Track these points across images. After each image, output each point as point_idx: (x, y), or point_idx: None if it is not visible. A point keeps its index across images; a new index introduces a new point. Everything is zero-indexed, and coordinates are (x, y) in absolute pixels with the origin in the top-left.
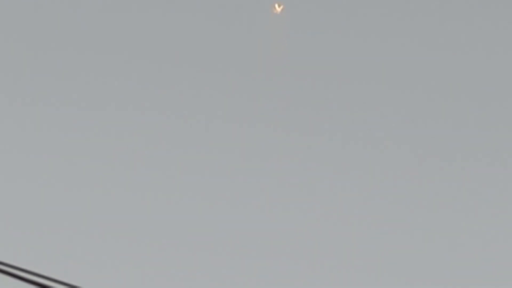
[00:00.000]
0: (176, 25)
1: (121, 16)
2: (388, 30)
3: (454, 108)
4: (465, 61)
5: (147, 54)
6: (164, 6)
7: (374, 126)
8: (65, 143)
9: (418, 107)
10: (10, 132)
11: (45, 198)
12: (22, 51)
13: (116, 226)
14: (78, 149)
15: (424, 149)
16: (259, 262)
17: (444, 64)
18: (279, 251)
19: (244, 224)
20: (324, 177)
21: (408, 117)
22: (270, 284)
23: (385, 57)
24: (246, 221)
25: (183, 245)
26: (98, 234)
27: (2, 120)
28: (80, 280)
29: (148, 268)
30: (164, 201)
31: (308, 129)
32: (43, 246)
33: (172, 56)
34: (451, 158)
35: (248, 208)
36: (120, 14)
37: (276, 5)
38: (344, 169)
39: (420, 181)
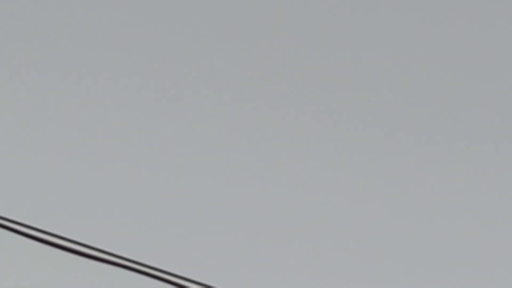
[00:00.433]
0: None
1: (127, 15)
2: (392, 31)
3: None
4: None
5: (149, 52)
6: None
7: (375, 124)
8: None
9: (421, 107)
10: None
11: (177, 193)
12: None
13: (252, 224)
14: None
15: (424, 146)
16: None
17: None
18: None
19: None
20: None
21: (409, 117)
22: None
23: (390, 56)
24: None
25: (324, 243)
26: (233, 233)
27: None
28: (215, 280)
29: (285, 267)
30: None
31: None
32: (178, 245)
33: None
34: (451, 157)
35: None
36: (128, 13)
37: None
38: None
39: (420, 180)
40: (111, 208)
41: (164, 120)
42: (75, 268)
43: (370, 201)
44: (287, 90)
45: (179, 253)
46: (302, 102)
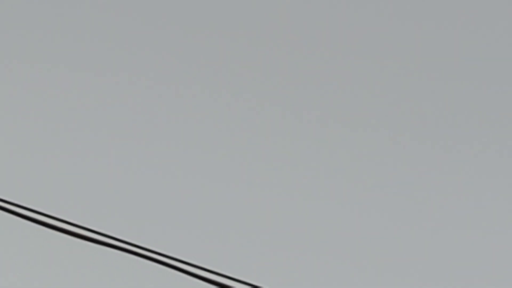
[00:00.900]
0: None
1: (128, 16)
2: (398, 32)
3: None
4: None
5: (153, 53)
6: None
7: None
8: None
9: (423, 108)
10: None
11: (226, 197)
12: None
13: (300, 225)
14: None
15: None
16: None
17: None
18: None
19: None
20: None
21: (411, 117)
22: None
23: (394, 58)
24: None
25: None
26: (279, 232)
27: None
28: (261, 279)
29: (331, 268)
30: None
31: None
32: (225, 245)
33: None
34: (451, 156)
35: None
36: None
37: None
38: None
39: (420, 180)
40: (170, 211)
41: (164, 120)
42: (153, 275)
43: (370, 200)
44: (287, 90)
45: (224, 253)
46: (302, 102)
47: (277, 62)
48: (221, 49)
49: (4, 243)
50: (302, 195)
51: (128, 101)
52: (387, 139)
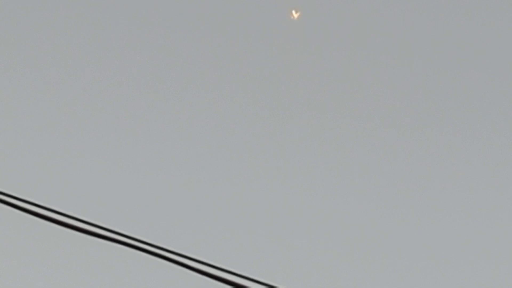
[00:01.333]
0: (193, 28)
1: (129, 15)
2: (400, 33)
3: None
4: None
5: (156, 57)
6: (177, 9)
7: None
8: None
9: (426, 108)
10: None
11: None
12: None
13: (316, 225)
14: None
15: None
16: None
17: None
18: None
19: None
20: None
21: (414, 117)
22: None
23: (400, 60)
24: None
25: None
26: (295, 234)
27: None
28: (277, 279)
29: (347, 267)
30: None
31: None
32: (242, 245)
33: (187, 59)
34: (450, 156)
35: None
36: (127, 13)
37: (294, 12)
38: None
39: (420, 179)
40: (178, 210)
41: (166, 119)
42: (168, 273)
43: (369, 201)
44: (287, 90)
45: (240, 253)
46: (302, 102)
47: (277, 62)
48: (221, 49)
49: (5, 238)
50: (321, 197)
51: (134, 95)
52: (387, 139)
